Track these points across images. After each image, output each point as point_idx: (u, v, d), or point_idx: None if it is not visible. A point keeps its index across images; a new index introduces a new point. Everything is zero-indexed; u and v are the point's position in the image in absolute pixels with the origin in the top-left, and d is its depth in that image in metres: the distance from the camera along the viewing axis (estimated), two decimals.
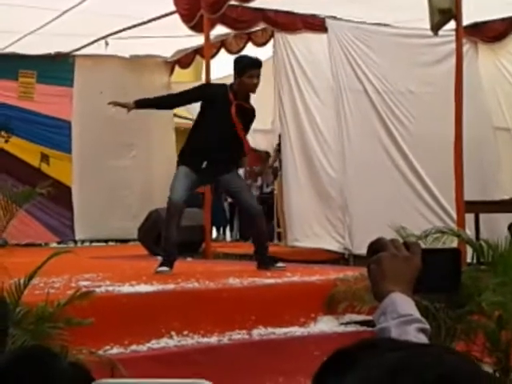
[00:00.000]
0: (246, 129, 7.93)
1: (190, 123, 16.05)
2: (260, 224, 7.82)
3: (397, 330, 1.59)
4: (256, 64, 7.73)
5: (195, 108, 13.72)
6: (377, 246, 1.75)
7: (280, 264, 7.82)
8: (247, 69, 7.65)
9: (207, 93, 7.86)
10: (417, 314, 1.64)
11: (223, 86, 7.91)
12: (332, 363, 0.85)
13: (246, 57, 8.18)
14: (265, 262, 7.79)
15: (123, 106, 7.91)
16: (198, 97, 7.92)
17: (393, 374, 0.78)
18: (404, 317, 1.62)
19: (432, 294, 1.89)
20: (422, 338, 1.58)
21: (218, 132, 7.57)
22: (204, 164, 7.64)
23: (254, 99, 14.09)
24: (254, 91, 7.83)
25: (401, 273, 1.69)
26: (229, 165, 7.78)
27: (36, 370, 1.23)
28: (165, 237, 7.72)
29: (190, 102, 8.17)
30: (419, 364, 0.79)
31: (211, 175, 7.77)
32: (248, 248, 12.25)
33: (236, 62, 7.93)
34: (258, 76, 7.68)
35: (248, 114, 7.87)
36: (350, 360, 0.83)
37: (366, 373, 0.79)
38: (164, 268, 7.40)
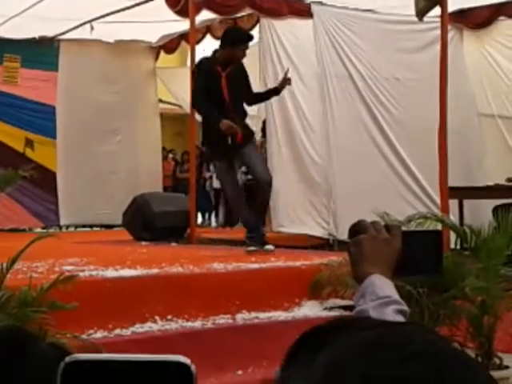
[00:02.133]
0: (247, 88, 7.99)
1: (175, 108, 16.12)
2: (264, 196, 7.87)
3: (375, 312, 1.59)
4: (251, 38, 7.95)
5: (180, 93, 13.71)
6: (357, 228, 1.75)
7: (268, 246, 7.86)
8: (243, 42, 7.73)
9: (204, 70, 7.83)
10: (396, 296, 1.64)
11: (208, 58, 7.93)
12: (306, 339, 0.85)
13: (241, 30, 8.35)
14: (255, 240, 7.83)
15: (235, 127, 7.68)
16: (203, 79, 7.81)
17: (366, 352, 0.78)
18: (382, 299, 1.62)
19: (413, 276, 1.89)
20: (400, 320, 1.58)
21: (222, 105, 7.61)
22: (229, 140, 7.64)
23: None
24: (240, 61, 7.89)
25: (381, 255, 1.69)
26: (246, 135, 7.82)
27: (13, 350, 1.23)
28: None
29: (206, 88, 7.80)
30: (392, 341, 0.79)
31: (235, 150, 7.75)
32: (233, 234, 12.28)
33: (231, 32, 7.94)
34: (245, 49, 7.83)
35: (241, 75, 7.88)
36: (323, 337, 0.83)
37: (338, 350, 0.79)
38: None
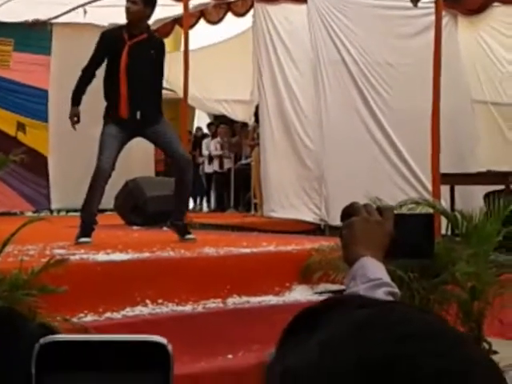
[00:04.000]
0: (156, 64, 7.23)
1: (168, 93, 16.04)
2: (188, 176, 7.34)
3: (366, 294, 1.59)
4: None
5: (173, 78, 13.67)
6: (350, 211, 1.74)
7: (190, 236, 7.39)
8: None
9: (104, 43, 7.29)
10: (386, 278, 1.64)
11: (120, 27, 7.36)
12: (300, 320, 0.85)
13: None
14: (178, 229, 7.41)
15: (75, 119, 7.50)
16: (99, 51, 7.29)
17: (361, 331, 0.77)
18: (373, 281, 1.62)
19: (405, 259, 1.88)
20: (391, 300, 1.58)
21: (128, 80, 7.09)
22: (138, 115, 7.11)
23: (234, 69, 14.07)
24: (128, 17, 7.13)
25: (372, 237, 1.69)
26: (154, 113, 7.21)
27: (2, 328, 1.22)
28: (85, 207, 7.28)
29: (99, 61, 7.35)
30: (387, 321, 0.78)
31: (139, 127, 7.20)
32: (225, 218, 12.28)
33: None
34: (132, 1, 7.05)
35: (151, 47, 7.20)
36: (317, 317, 0.83)
37: (333, 330, 0.79)
38: (86, 239, 6.95)
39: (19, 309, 3.86)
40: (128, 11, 7.11)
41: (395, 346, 0.74)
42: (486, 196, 7.41)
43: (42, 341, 0.74)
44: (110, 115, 7.35)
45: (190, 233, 7.50)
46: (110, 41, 7.27)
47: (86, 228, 7.09)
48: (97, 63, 7.36)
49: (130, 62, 7.09)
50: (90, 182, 7.21)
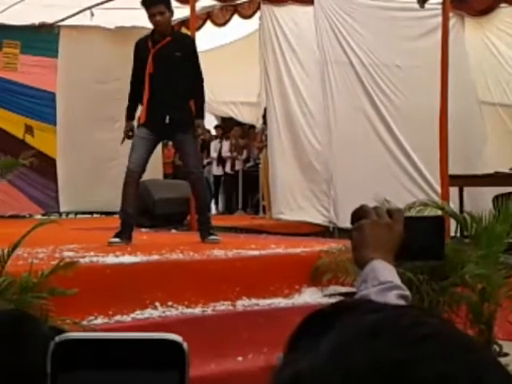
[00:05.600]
0: (188, 64, 7.25)
1: None
2: (198, 189, 7.55)
3: (377, 297, 1.59)
4: (145, 2, 7.23)
5: None
6: (360, 214, 1.75)
7: (214, 237, 7.50)
8: (146, 9, 7.21)
9: (135, 53, 7.41)
10: (397, 281, 1.64)
11: (147, 35, 7.42)
12: (309, 323, 0.85)
13: None
14: (202, 232, 7.58)
15: (130, 134, 7.51)
16: (135, 62, 7.39)
17: (371, 336, 0.77)
18: (384, 284, 1.62)
19: (415, 261, 1.89)
20: (402, 305, 1.58)
21: (153, 86, 7.18)
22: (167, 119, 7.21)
23: (240, 72, 14.07)
24: (161, 29, 7.21)
25: (382, 240, 1.69)
26: (183, 118, 7.28)
27: (16, 330, 1.23)
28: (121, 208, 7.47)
29: (138, 71, 7.36)
30: (398, 325, 0.79)
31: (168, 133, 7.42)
32: (233, 221, 12.28)
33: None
34: (160, 13, 7.09)
35: (176, 49, 7.21)
36: (327, 321, 0.83)
37: (344, 333, 0.79)
38: (116, 239, 7.12)
39: (31, 312, 3.87)
40: (158, 23, 7.19)
41: (406, 351, 0.74)
42: (495, 199, 7.40)
43: (57, 339, 0.74)
44: (139, 119, 7.48)
45: (212, 234, 7.59)
46: (138, 50, 7.41)
47: (124, 227, 7.31)
48: (137, 73, 7.42)
49: (155, 68, 7.19)
50: (123, 183, 7.41)
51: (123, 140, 7.62)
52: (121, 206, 7.49)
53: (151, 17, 7.18)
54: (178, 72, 7.20)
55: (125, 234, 7.25)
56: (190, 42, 7.68)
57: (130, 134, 7.51)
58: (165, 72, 7.14)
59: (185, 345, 0.73)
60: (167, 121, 7.25)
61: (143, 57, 7.24)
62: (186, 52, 7.29)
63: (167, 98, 7.17)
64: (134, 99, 7.51)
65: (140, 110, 7.48)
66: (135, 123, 7.53)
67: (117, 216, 11.65)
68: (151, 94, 7.23)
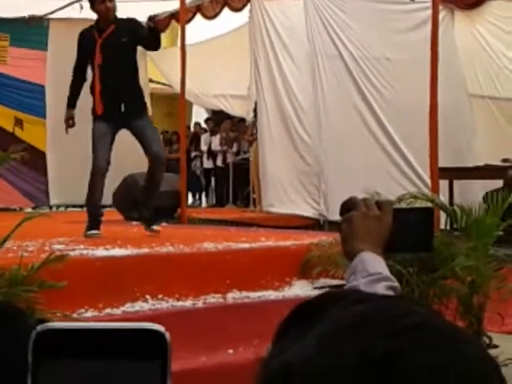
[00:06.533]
0: (138, 43, 7.27)
1: (166, 88, 16.06)
2: (158, 174, 7.55)
3: (366, 288, 1.59)
4: None
5: (170, 73, 13.67)
6: (349, 205, 1.75)
7: (155, 227, 7.62)
8: None
9: (79, 44, 7.43)
10: (386, 273, 1.65)
11: (91, 26, 7.40)
12: (297, 314, 0.85)
13: None
14: (145, 220, 7.64)
15: (70, 122, 7.58)
16: (79, 51, 7.41)
17: (359, 325, 0.77)
18: (373, 275, 1.62)
19: (404, 253, 1.88)
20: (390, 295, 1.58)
21: (103, 76, 7.18)
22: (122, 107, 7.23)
23: (230, 65, 14.04)
24: (111, 16, 7.22)
25: (371, 231, 1.69)
26: (138, 105, 7.35)
27: (2, 322, 1.22)
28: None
29: (82, 62, 7.46)
30: (385, 315, 0.79)
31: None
32: (224, 214, 12.28)
33: None
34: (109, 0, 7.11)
35: (122, 35, 7.16)
36: (315, 311, 0.83)
37: (331, 324, 0.79)
38: (95, 231, 7.23)
39: (18, 304, 3.87)
40: (109, 10, 7.18)
41: (392, 341, 0.74)
42: (486, 196, 7.41)
43: (38, 328, 0.73)
44: (94, 112, 7.46)
45: (154, 224, 7.70)
46: (83, 41, 7.40)
47: (94, 221, 7.33)
48: (81, 63, 7.49)
49: (104, 59, 7.19)
50: (89, 179, 7.42)
51: (66, 129, 7.65)
52: (88, 199, 7.55)
53: (101, 3, 7.13)
54: (126, 58, 7.22)
55: (97, 226, 7.32)
56: (134, 24, 7.43)
57: (71, 122, 7.58)
58: (114, 60, 7.14)
59: (167, 335, 0.73)
60: (123, 109, 7.27)
61: (89, 48, 7.25)
62: (131, 36, 7.20)
63: (119, 87, 7.18)
64: (77, 88, 7.58)
65: (93, 102, 7.44)
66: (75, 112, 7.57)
67: (107, 209, 11.66)
68: (103, 84, 7.24)
